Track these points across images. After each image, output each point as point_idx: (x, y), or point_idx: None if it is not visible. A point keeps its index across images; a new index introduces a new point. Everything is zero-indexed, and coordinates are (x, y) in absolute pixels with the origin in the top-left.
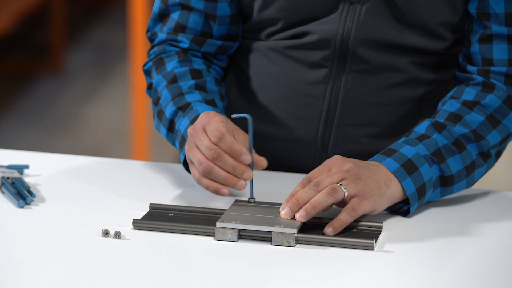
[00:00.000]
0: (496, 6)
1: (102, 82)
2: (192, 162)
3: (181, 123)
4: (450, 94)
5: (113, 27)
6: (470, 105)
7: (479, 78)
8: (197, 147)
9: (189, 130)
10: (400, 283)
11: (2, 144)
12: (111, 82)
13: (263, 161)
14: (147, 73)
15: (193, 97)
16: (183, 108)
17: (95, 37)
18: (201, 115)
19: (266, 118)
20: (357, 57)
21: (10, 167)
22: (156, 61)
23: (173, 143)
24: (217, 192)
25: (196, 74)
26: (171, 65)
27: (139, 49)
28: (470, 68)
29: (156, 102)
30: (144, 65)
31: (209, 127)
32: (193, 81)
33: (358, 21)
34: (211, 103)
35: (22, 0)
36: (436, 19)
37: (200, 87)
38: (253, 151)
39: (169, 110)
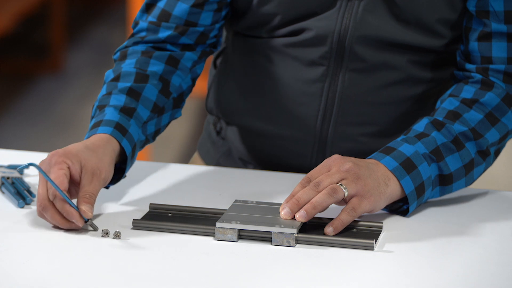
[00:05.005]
0: (496, 4)
1: (102, 82)
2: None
3: (91, 122)
4: (448, 92)
5: (113, 27)
6: (469, 103)
7: (478, 76)
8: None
9: (45, 161)
10: (400, 283)
11: (2, 144)
12: None
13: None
14: (114, 62)
15: (115, 100)
16: (100, 108)
17: (95, 37)
18: (49, 155)
19: (264, 116)
20: (354, 54)
21: (10, 167)
22: (121, 54)
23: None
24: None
25: (140, 77)
26: (127, 62)
27: None
28: (468, 66)
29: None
30: (115, 53)
31: (50, 177)
32: (128, 84)
33: (355, 17)
34: (127, 112)
35: (22, 0)
36: (434, 16)
37: (132, 92)
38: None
39: (94, 107)
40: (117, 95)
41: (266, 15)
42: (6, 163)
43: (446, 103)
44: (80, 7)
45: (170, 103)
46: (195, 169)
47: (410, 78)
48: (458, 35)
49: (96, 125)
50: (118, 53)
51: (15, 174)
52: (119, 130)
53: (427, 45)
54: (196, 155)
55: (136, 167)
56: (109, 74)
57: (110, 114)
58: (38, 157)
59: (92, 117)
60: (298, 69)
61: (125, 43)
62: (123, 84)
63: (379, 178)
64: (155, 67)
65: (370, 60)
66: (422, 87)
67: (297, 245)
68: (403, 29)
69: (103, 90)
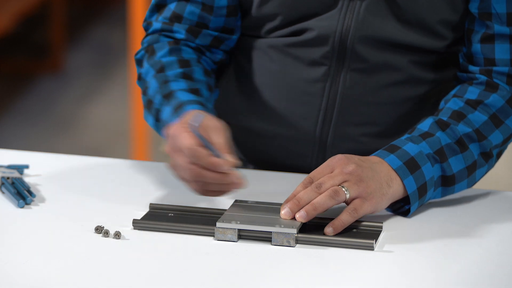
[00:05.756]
0: (498, 6)
1: (102, 82)
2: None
3: (164, 111)
4: (452, 92)
5: (113, 27)
6: (474, 104)
7: (483, 78)
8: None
9: (168, 137)
10: (400, 283)
11: (2, 144)
12: (111, 82)
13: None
14: (139, 62)
15: (178, 85)
16: (167, 96)
17: (95, 37)
18: (171, 127)
19: (265, 116)
20: (355, 55)
21: (10, 167)
22: (148, 50)
23: (159, 132)
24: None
25: (183, 63)
26: (160, 54)
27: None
28: (472, 68)
29: (145, 91)
30: (136, 54)
31: (182, 145)
32: (179, 70)
33: (357, 18)
34: (195, 92)
35: (22, 0)
36: (436, 17)
37: (186, 76)
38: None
39: (157, 99)
40: (175, 81)
41: (267, 16)
42: (6, 163)
43: (451, 103)
44: (80, 7)
45: (213, 82)
46: None
47: (411, 78)
48: (460, 36)
49: (179, 107)
50: (142, 52)
51: (15, 174)
52: (204, 106)
53: (428, 46)
54: None
55: (136, 167)
56: (148, 69)
57: (183, 96)
58: (38, 157)
59: (157, 110)
60: (299, 69)
61: (144, 43)
62: (173, 72)
63: (381, 179)
64: (188, 55)
65: (372, 60)
66: (423, 88)
67: (297, 245)
68: (404, 30)
69: (154, 84)
